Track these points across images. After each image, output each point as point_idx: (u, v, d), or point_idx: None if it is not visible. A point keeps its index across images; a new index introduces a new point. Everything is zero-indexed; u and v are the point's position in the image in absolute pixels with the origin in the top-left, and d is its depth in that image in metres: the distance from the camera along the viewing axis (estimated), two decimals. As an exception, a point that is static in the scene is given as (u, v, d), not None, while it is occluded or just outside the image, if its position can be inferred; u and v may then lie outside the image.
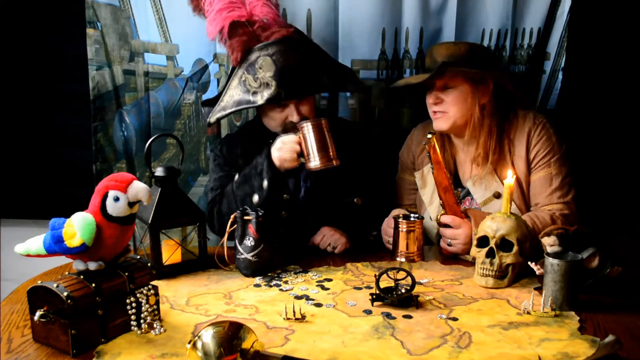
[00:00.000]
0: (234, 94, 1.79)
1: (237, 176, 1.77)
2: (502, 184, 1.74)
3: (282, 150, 1.66)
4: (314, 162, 1.62)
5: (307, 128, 1.61)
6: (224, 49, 2.06)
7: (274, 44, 1.71)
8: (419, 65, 2.11)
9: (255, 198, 1.69)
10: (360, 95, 2.15)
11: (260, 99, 1.70)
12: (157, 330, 1.20)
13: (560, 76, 2.15)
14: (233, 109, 1.77)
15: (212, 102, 1.86)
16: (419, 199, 1.92)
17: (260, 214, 1.55)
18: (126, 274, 1.19)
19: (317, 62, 1.83)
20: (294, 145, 1.65)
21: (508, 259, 1.45)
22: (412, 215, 1.76)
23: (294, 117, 1.74)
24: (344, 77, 1.89)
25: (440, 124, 1.76)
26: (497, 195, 1.76)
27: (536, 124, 1.75)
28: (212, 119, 1.81)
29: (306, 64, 1.77)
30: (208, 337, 1.00)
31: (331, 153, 1.62)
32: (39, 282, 1.13)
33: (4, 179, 2.35)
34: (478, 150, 1.78)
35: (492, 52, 2.03)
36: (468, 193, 1.83)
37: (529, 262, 1.45)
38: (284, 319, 1.27)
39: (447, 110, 1.73)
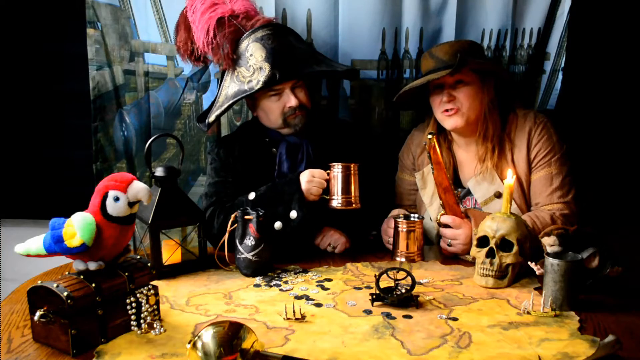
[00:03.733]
0: (228, 91, 1.79)
1: (252, 194, 1.73)
2: (503, 183, 1.74)
3: (312, 183, 1.67)
4: (336, 201, 1.67)
5: (337, 169, 1.66)
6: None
7: (260, 29, 1.74)
8: (419, 65, 2.11)
9: (277, 224, 1.68)
10: (360, 95, 2.15)
11: (256, 84, 1.71)
12: (157, 330, 1.20)
13: (560, 76, 2.15)
14: (230, 102, 1.76)
15: (206, 115, 1.87)
16: (419, 200, 1.92)
17: (261, 213, 1.55)
18: (126, 274, 1.19)
19: (304, 48, 1.85)
20: (323, 182, 1.67)
21: (508, 259, 1.45)
22: (412, 215, 1.76)
23: (292, 102, 1.75)
24: (330, 64, 1.89)
25: (454, 121, 1.74)
26: (498, 195, 1.76)
27: (537, 123, 1.76)
28: (211, 117, 1.81)
29: (295, 47, 1.78)
30: (208, 337, 1.00)
31: (353, 197, 1.67)
32: (39, 282, 1.13)
33: (4, 179, 2.35)
34: (483, 146, 1.78)
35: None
36: (468, 193, 1.83)
37: (529, 262, 1.45)
38: (284, 319, 1.27)
39: (459, 106, 1.72)
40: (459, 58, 1.63)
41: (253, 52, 1.72)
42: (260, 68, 1.71)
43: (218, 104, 1.81)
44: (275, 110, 1.78)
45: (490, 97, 1.76)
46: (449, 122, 1.75)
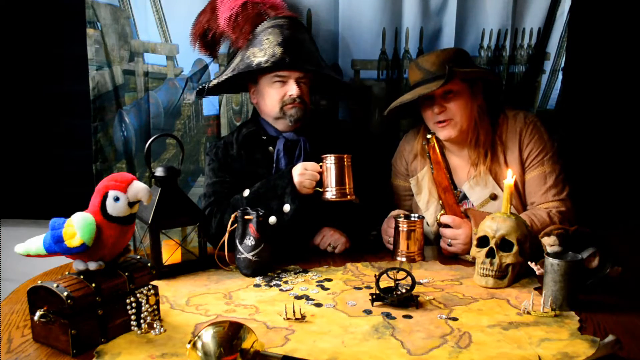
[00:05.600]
0: (236, 68, 1.81)
1: (246, 192, 1.74)
2: (498, 185, 1.75)
3: (304, 176, 1.66)
4: (331, 193, 1.66)
5: (330, 160, 1.65)
6: (225, 48, 2.07)
7: (283, 18, 1.79)
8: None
9: (272, 219, 1.67)
10: (360, 95, 2.15)
11: (264, 63, 1.73)
12: (157, 330, 1.20)
13: (560, 76, 2.15)
14: (235, 72, 1.79)
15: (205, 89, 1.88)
16: (415, 205, 1.92)
17: (261, 213, 1.55)
18: (126, 274, 1.19)
19: (315, 50, 1.88)
20: (315, 174, 1.67)
21: (508, 259, 1.45)
22: (412, 214, 1.76)
23: (294, 91, 1.76)
24: (335, 73, 1.94)
25: (448, 132, 1.74)
26: (494, 197, 1.77)
27: (527, 123, 1.76)
28: (213, 82, 1.84)
29: (308, 45, 1.83)
30: (208, 337, 1.00)
31: (347, 188, 1.66)
32: (39, 282, 1.13)
33: (4, 179, 2.35)
34: (475, 151, 1.78)
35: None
36: (465, 196, 1.83)
37: (529, 262, 1.45)
38: (284, 319, 1.27)
39: (452, 116, 1.72)
40: (448, 71, 1.62)
41: (269, 35, 1.76)
42: (273, 50, 1.73)
43: (223, 74, 1.83)
44: (274, 97, 1.79)
45: (480, 102, 1.77)
46: (443, 134, 1.75)
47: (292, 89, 1.76)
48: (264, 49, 1.74)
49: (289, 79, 1.77)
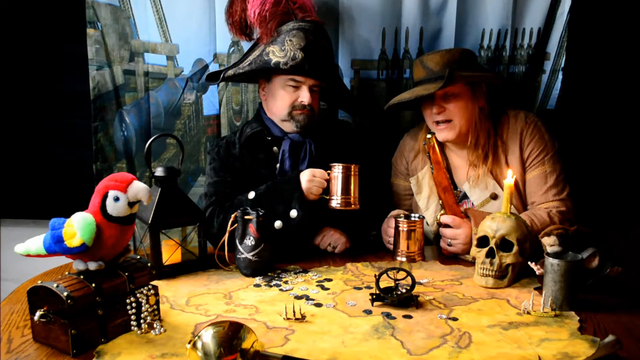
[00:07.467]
0: (253, 62, 1.81)
1: (252, 194, 1.74)
2: (498, 185, 1.75)
3: (312, 182, 1.68)
4: (336, 201, 1.68)
5: (338, 169, 1.67)
6: (225, 48, 2.07)
7: (310, 23, 1.79)
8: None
9: (278, 224, 1.67)
10: (360, 95, 2.15)
11: (283, 65, 1.73)
12: (157, 330, 1.20)
13: (560, 76, 2.15)
14: (251, 68, 1.79)
15: (216, 75, 1.87)
16: (415, 205, 1.92)
17: (261, 213, 1.55)
18: (126, 274, 1.19)
19: (331, 58, 1.89)
20: (323, 182, 1.68)
21: (508, 259, 1.45)
22: (412, 214, 1.76)
23: (305, 99, 1.77)
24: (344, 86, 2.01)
25: (446, 134, 1.74)
26: (494, 197, 1.77)
27: (528, 123, 1.76)
28: (229, 72, 1.82)
29: (327, 53, 1.84)
30: (208, 337, 1.00)
31: (352, 198, 1.68)
32: (39, 282, 1.13)
33: (4, 179, 2.35)
34: (474, 153, 1.78)
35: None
36: (465, 196, 1.83)
37: (529, 262, 1.45)
38: (284, 319, 1.27)
39: (451, 118, 1.73)
40: (447, 74, 1.62)
41: (293, 37, 1.75)
42: (294, 53, 1.73)
43: (239, 67, 1.82)
44: (286, 100, 1.79)
45: (481, 105, 1.77)
46: (441, 135, 1.76)
47: (305, 96, 1.77)
48: (285, 49, 1.74)
49: (303, 85, 1.78)
